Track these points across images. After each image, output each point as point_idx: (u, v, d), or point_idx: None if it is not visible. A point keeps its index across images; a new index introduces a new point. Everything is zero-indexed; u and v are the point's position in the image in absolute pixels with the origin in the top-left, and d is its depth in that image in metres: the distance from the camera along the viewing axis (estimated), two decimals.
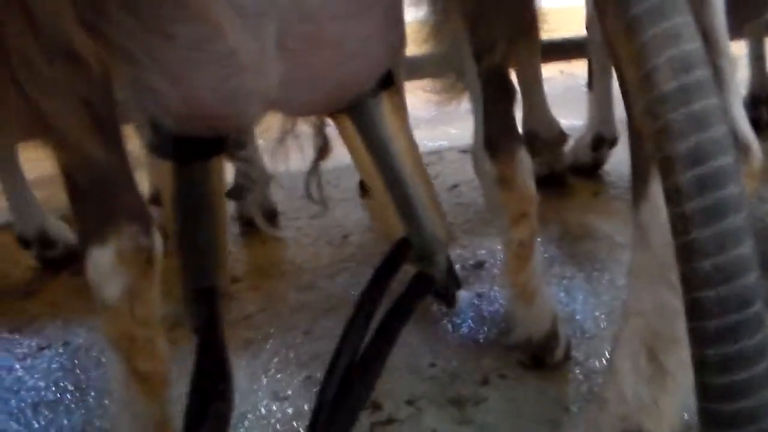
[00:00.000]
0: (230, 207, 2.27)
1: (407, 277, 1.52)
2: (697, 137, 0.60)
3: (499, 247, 1.97)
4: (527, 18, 1.24)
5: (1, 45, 0.92)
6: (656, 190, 0.96)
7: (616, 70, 1.00)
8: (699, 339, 0.64)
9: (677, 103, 0.61)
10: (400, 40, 1.36)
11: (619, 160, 2.50)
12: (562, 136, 2.37)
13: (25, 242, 2.23)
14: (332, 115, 1.48)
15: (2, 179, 2.22)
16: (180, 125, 1.22)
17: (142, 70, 1.03)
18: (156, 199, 1.86)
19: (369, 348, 1.29)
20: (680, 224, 0.63)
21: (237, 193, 2.12)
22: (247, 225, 2.33)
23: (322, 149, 1.60)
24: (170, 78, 1.08)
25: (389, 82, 1.44)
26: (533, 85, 2.32)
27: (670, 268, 0.96)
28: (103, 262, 1.06)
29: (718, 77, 0.89)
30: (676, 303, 0.97)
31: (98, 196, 1.06)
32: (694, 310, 0.64)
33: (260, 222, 2.00)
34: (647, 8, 0.62)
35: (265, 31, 1.06)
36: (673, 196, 0.63)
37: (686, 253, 0.63)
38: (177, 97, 1.11)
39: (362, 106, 1.43)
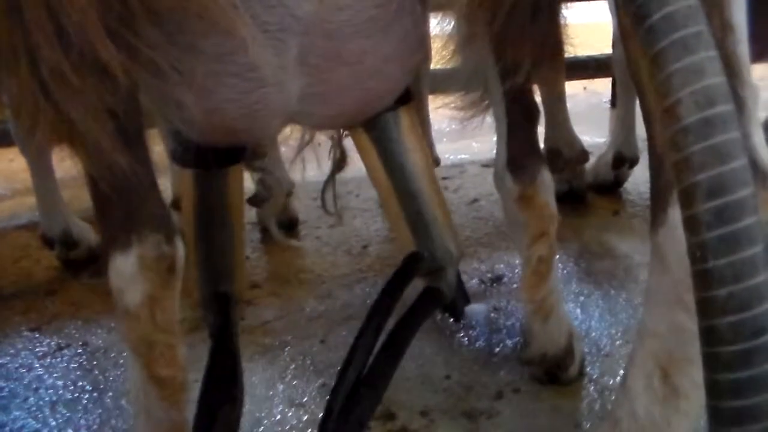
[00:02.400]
0: (252, 213, 2.30)
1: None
2: (717, 170, 0.61)
3: (517, 262, 1.98)
4: (553, 40, 1.24)
5: (31, 54, 0.93)
6: (676, 214, 0.96)
7: (638, 92, 1.01)
8: (713, 364, 0.65)
9: (699, 136, 0.62)
10: (422, 59, 1.37)
11: (639, 179, 2.50)
12: (583, 154, 2.37)
13: (48, 242, 2.24)
14: (349, 128, 1.50)
15: (34, 178, 2.24)
16: (202, 136, 1.23)
17: (167, 82, 1.04)
18: (177, 203, 1.88)
19: (377, 361, 1.30)
20: (698, 253, 0.64)
21: (258, 200, 2.14)
22: (269, 232, 2.34)
23: (339, 162, 1.61)
24: (194, 90, 1.09)
25: (407, 99, 1.45)
26: (556, 102, 2.32)
27: (687, 290, 0.96)
28: (126, 269, 1.07)
29: (740, 106, 0.90)
30: (691, 325, 0.98)
31: (122, 203, 1.07)
32: (709, 337, 0.64)
33: (274, 232, 2.01)
34: (672, 42, 0.63)
35: (287, 47, 1.08)
36: (692, 226, 0.64)
37: (703, 281, 0.64)
38: (200, 109, 1.13)
39: (379, 121, 1.44)
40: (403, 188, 1.49)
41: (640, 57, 0.80)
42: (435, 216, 1.51)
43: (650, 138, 0.99)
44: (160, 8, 0.96)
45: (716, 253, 0.62)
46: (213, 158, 1.38)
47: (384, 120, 1.44)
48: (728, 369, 0.63)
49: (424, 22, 1.29)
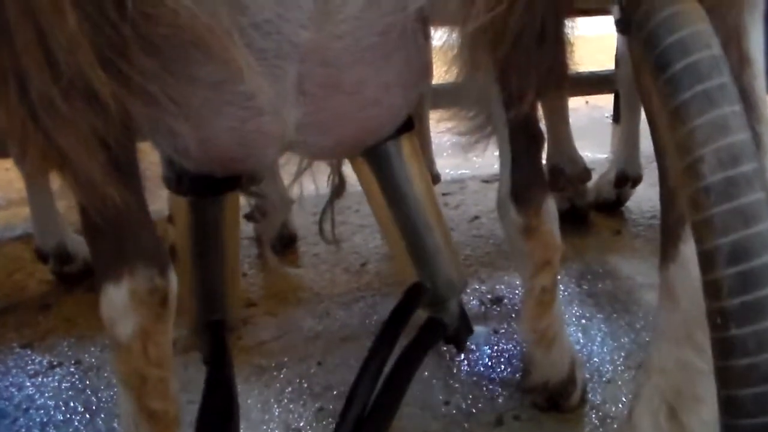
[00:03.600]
0: (249, 228, 2.27)
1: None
2: (741, 233, 0.58)
3: (518, 282, 1.96)
4: (559, 69, 1.21)
5: (20, 79, 0.91)
6: (686, 251, 0.94)
7: (649, 123, 0.98)
8: None
9: (722, 197, 0.59)
10: (424, 86, 1.34)
11: (641, 197, 2.48)
12: (586, 172, 2.35)
13: (43, 256, 2.21)
14: (349, 158, 1.47)
15: (29, 191, 2.21)
16: (196, 165, 1.21)
17: (161, 111, 1.01)
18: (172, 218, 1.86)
19: (379, 397, 1.28)
20: (719, 320, 0.60)
21: (255, 216, 2.11)
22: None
23: (338, 188, 1.59)
24: (188, 119, 1.06)
25: (409, 127, 1.42)
26: (559, 120, 2.30)
27: (697, 328, 0.94)
28: (117, 301, 1.05)
29: (756, 141, 0.87)
30: (700, 363, 0.96)
31: (114, 234, 1.04)
32: (730, 408, 0.61)
33: (270, 255, 1.99)
34: (695, 95, 0.60)
35: (284, 75, 1.05)
36: (713, 291, 0.61)
37: (724, 349, 0.61)
38: (194, 138, 1.10)
39: (380, 149, 1.41)
40: (405, 218, 1.46)
41: (654, 94, 0.77)
42: (438, 246, 1.48)
43: (662, 171, 0.97)
44: (153, 35, 0.93)
45: (739, 321, 0.59)
46: (207, 186, 1.36)
47: (385, 148, 1.40)
48: None
49: (427, 50, 1.26)
